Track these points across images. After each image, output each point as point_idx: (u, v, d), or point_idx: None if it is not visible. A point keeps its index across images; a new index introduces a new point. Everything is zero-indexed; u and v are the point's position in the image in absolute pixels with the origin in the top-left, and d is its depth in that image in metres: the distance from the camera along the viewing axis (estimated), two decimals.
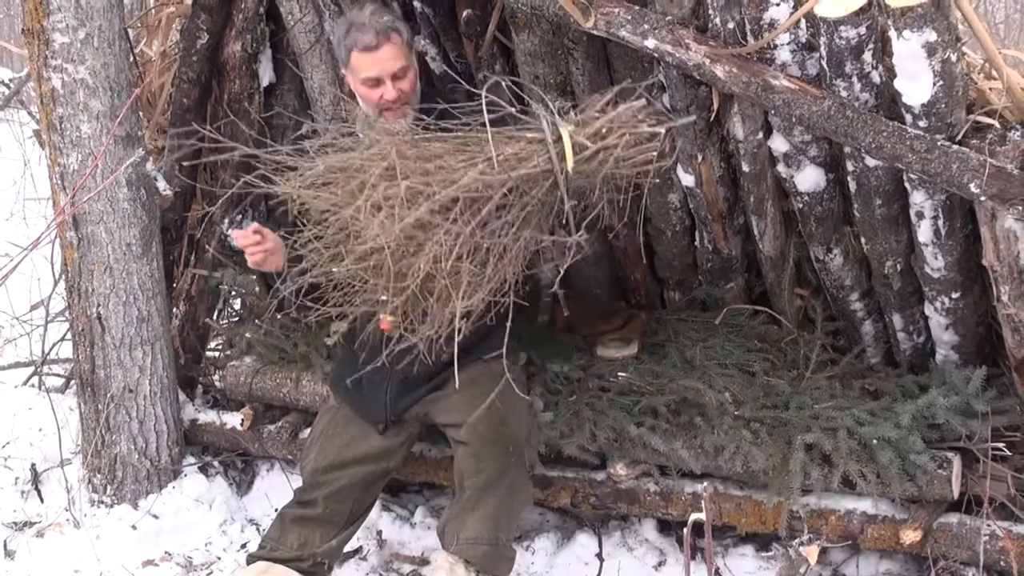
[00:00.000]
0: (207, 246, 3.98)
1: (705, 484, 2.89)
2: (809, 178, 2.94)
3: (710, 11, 2.70)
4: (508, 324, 2.47)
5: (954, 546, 3.00)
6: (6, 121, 7.34)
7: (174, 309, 4.02)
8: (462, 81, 3.00)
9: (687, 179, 3.15)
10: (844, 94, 2.57)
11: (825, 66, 2.56)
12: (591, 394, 3.30)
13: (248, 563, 3.19)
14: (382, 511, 3.72)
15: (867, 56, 2.51)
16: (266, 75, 3.77)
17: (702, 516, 1.76)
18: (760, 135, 2.92)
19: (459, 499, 3.08)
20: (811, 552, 2.50)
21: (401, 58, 3.02)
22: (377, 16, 3.03)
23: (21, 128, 6.74)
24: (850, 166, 2.81)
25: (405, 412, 3.16)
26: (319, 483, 3.16)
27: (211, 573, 3.48)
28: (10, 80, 6.60)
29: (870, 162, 2.73)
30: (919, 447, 2.95)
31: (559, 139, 2.38)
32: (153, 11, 4.03)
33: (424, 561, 3.54)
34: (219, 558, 3.57)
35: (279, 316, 3.87)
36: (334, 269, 2.43)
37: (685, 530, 1.85)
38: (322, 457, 3.20)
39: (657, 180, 2.64)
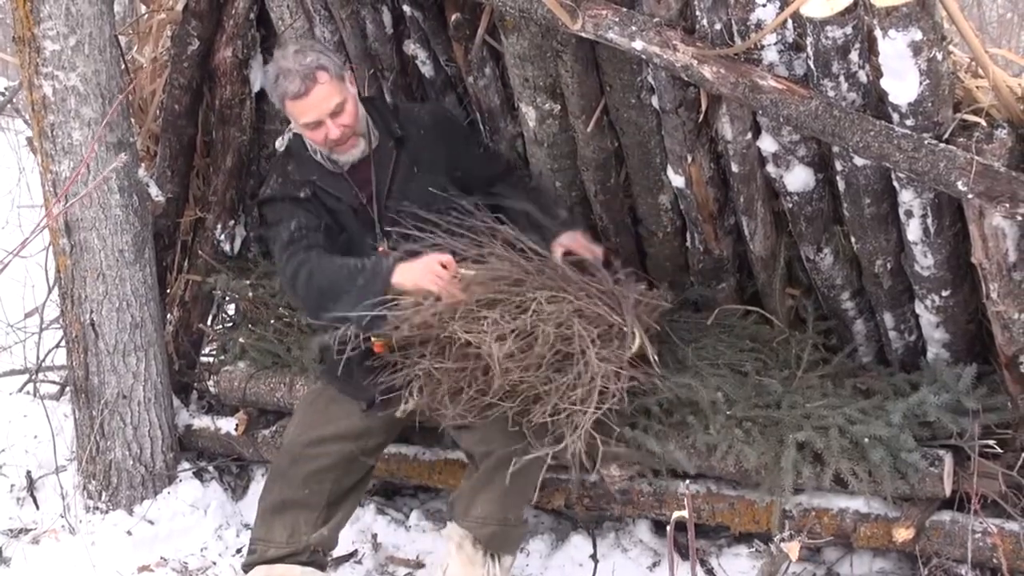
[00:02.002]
0: (200, 252, 3.99)
1: (687, 483, 2.89)
2: (798, 178, 2.95)
3: (697, 12, 2.70)
4: None
5: (947, 544, 3.00)
6: (1, 129, 7.34)
7: (168, 315, 4.03)
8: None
9: (677, 180, 3.15)
10: (831, 94, 2.58)
11: (812, 66, 2.57)
12: None
13: (245, 571, 3.19)
14: (377, 514, 3.73)
15: (854, 56, 2.51)
16: (257, 80, 3.79)
17: (685, 514, 1.77)
18: (749, 135, 2.93)
19: (470, 477, 3.15)
20: (792, 548, 2.50)
21: (335, 95, 2.99)
22: (300, 57, 2.98)
23: (16, 136, 6.75)
24: (839, 166, 2.82)
25: (392, 395, 3.14)
26: (300, 457, 3.16)
27: None
28: (5, 89, 6.60)
29: (858, 161, 2.74)
30: (910, 445, 2.95)
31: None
32: (144, 18, 4.03)
33: (419, 564, 3.54)
34: (214, 563, 3.57)
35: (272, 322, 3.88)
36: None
37: (669, 527, 1.86)
38: (300, 430, 3.21)
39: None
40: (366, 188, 3.15)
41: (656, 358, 3.03)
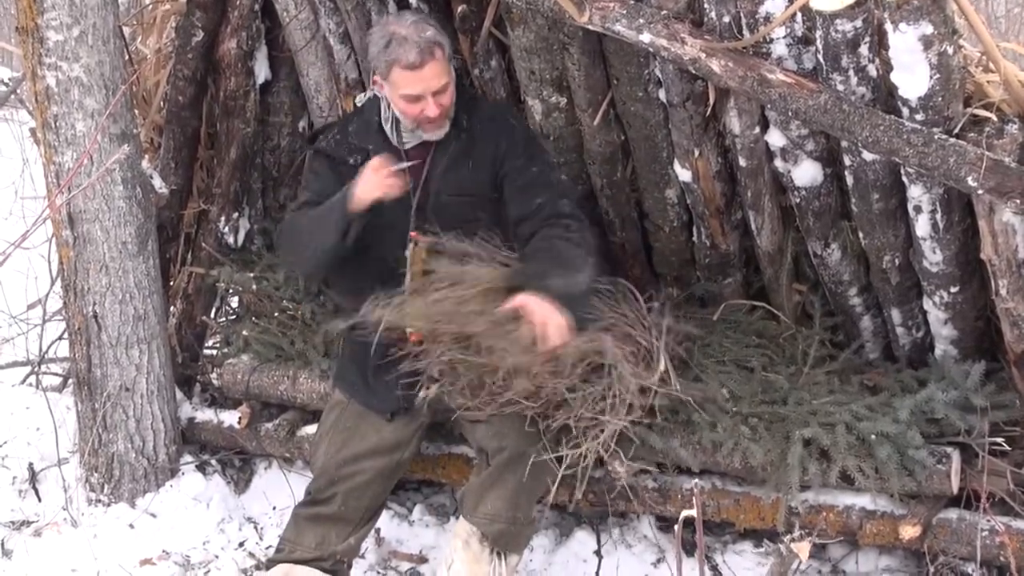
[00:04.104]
0: (204, 244, 3.97)
1: (696, 481, 2.88)
2: (806, 173, 2.93)
3: (705, 5, 2.69)
4: None
5: (953, 542, 2.99)
6: (5, 120, 7.33)
7: (171, 307, 4.01)
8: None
9: (684, 174, 3.14)
10: (840, 88, 2.56)
11: (821, 60, 2.55)
12: None
13: (268, 567, 3.19)
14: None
15: (863, 49, 2.49)
16: (262, 72, 3.77)
17: (693, 512, 1.76)
18: (757, 130, 2.91)
19: (481, 473, 3.12)
20: (802, 548, 2.49)
21: (444, 75, 2.97)
22: (420, 29, 2.94)
23: (20, 127, 6.73)
24: (847, 160, 2.80)
25: (414, 400, 3.14)
26: (337, 478, 3.14)
27: (209, 572, 3.47)
28: (9, 79, 6.59)
29: (867, 156, 2.72)
30: (918, 442, 2.94)
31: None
32: (148, 8, 4.01)
33: (422, 559, 3.53)
34: (217, 556, 3.56)
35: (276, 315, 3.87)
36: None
37: (676, 526, 1.85)
38: (333, 450, 3.18)
39: None
40: (416, 171, 3.11)
41: (678, 386, 3.05)
